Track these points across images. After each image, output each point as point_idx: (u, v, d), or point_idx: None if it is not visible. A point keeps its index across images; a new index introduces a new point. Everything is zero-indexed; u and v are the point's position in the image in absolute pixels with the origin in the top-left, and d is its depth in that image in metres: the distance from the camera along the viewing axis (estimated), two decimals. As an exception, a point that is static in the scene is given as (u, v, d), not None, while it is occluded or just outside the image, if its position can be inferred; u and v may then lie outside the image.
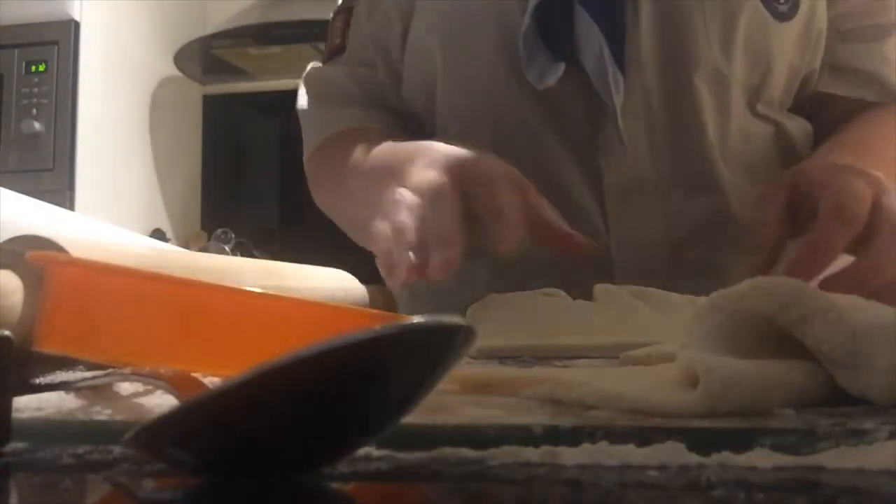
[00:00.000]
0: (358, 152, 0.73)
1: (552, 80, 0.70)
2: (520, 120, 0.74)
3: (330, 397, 0.23)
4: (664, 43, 0.72)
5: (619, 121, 0.70)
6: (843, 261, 0.54)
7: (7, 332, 0.29)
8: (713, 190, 0.73)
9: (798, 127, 0.78)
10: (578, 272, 0.66)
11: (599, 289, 0.59)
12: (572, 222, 0.66)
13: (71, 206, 1.89)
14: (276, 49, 2.24)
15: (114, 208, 2.07)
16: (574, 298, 0.60)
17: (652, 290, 0.59)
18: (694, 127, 0.73)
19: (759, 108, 0.75)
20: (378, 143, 0.70)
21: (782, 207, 0.58)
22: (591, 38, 0.69)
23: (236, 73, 2.40)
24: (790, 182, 0.60)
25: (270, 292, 0.40)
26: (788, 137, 0.77)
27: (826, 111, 0.78)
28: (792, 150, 0.77)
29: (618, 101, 0.70)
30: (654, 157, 0.72)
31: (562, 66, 0.70)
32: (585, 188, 0.73)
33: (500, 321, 0.55)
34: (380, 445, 0.27)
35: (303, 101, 0.86)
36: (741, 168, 0.74)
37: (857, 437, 0.26)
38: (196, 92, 2.48)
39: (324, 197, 0.85)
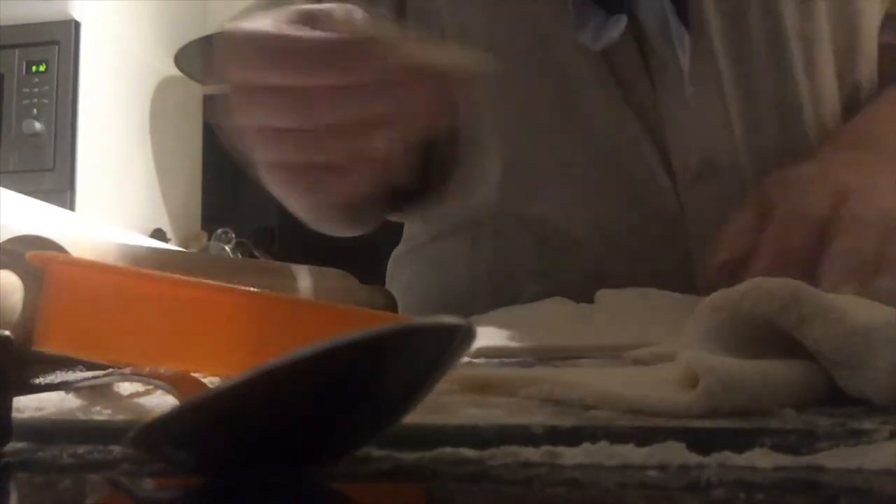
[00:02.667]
0: None
1: (613, 35, 0.61)
2: (572, 83, 0.65)
3: (330, 397, 0.23)
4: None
5: (687, 85, 0.62)
6: None
7: (7, 332, 0.29)
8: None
9: None
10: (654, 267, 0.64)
11: (601, 292, 0.59)
12: (645, 201, 0.65)
13: (71, 206, 1.89)
14: (276, 49, 2.24)
15: (114, 208, 2.07)
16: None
17: (652, 290, 0.59)
18: (777, 93, 0.65)
19: (857, 72, 0.68)
20: None
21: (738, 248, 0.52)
22: None
23: (236, 73, 2.40)
24: (754, 210, 0.54)
25: (270, 292, 0.40)
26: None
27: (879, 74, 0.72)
28: None
29: (684, 60, 0.61)
30: (728, 131, 0.64)
31: (624, 20, 0.61)
32: (659, 166, 0.65)
33: (501, 323, 0.55)
34: (380, 445, 0.27)
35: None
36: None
37: (857, 437, 0.26)
38: (196, 92, 2.48)
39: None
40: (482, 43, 0.66)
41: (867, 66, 0.70)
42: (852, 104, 0.69)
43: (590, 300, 0.60)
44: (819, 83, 0.66)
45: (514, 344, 0.49)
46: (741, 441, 0.25)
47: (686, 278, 0.63)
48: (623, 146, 0.65)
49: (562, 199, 0.67)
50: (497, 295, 0.68)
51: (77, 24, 1.98)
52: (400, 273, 0.80)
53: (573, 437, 0.26)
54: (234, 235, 2.19)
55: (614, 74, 0.64)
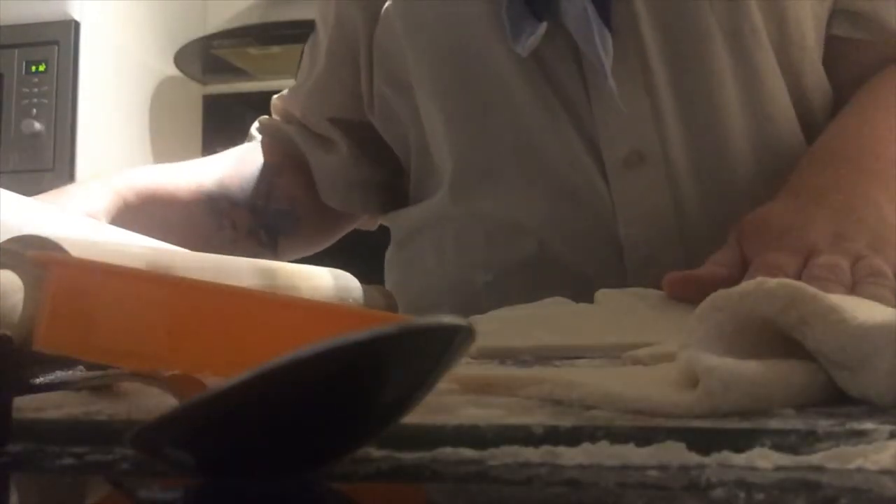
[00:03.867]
0: None
1: (534, 42, 0.66)
2: (509, 89, 0.70)
3: (330, 397, 0.23)
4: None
5: (610, 81, 0.65)
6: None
7: (7, 332, 0.29)
8: (729, 161, 0.68)
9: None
10: (587, 261, 0.68)
11: (601, 292, 0.59)
12: (576, 189, 0.69)
13: (71, 206, 1.89)
14: (276, 49, 2.24)
15: (114, 208, 2.07)
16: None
17: (652, 290, 0.59)
18: (705, 90, 0.68)
19: (796, 64, 0.70)
20: None
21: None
22: None
23: (236, 73, 2.40)
24: (733, 249, 0.56)
25: (271, 292, 0.40)
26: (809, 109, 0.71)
27: (836, 71, 0.73)
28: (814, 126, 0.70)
29: (606, 59, 0.64)
30: (657, 124, 0.68)
31: (543, 27, 0.66)
32: (588, 157, 0.69)
33: (501, 323, 0.55)
34: (380, 445, 0.27)
35: None
36: (765, 135, 0.69)
37: (857, 437, 0.26)
38: (196, 92, 2.48)
39: None
40: (432, 61, 0.73)
41: (806, 57, 0.71)
42: (798, 96, 0.71)
43: (531, 286, 0.62)
44: (755, 79, 0.69)
45: (514, 344, 0.49)
46: (741, 441, 0.25)
47: (615, 259, 0.68)
48: (553, 141, 0.70)
49: (503, 192, 0.72)
50: (458, 289, 0.73)
51: (76, 24, 1.98)
52: (390, 275, 0.83)
53: (573, 437, 0.26)
54: (233, 235, 2.19)
55: (545, 75, 0.69)
